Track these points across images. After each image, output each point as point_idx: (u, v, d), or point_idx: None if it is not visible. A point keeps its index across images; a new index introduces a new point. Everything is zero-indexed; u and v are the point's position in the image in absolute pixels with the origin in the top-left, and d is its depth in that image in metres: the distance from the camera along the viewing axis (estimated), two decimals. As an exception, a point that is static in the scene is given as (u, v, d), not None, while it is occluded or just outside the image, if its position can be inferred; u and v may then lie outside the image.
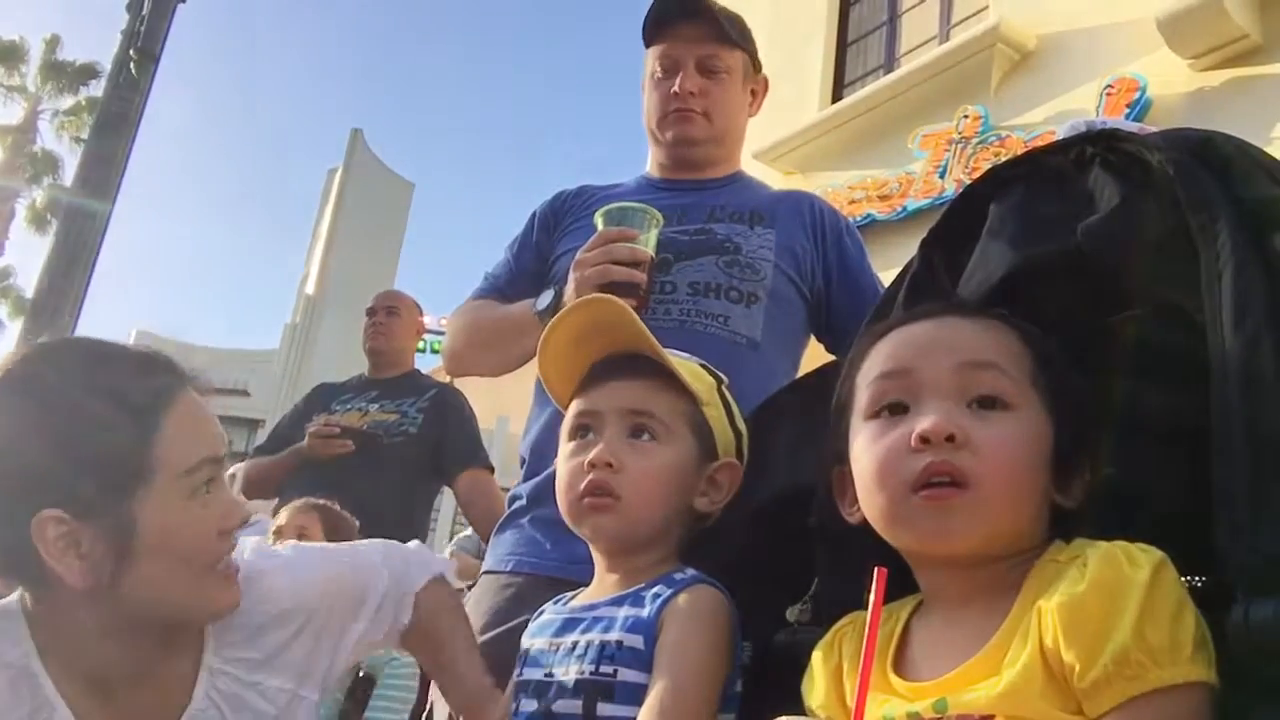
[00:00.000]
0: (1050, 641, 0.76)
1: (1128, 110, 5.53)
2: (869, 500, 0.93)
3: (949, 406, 0.88)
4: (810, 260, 1.87)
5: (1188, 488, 0.85)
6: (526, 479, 1.81)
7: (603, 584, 1.21)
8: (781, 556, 1.24)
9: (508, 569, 1.72)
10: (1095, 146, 1.00)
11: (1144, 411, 0.90)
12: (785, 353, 1.84)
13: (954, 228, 1.11)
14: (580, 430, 1.22)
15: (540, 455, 1.78)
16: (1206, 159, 0.90)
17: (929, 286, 1.11)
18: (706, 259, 1.79)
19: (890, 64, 7.60)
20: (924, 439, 0.86)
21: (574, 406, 1.24)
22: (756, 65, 2.00)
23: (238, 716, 1.24)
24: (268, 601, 1.28)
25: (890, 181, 6.46)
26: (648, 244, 1.66)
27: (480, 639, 1.66)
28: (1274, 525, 0.73)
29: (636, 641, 1.08)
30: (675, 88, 1.89)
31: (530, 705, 1.13)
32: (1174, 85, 5.43)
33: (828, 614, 1.05)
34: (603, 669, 1.08)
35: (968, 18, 7.08)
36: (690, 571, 1.15)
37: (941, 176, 6.33)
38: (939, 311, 0.97)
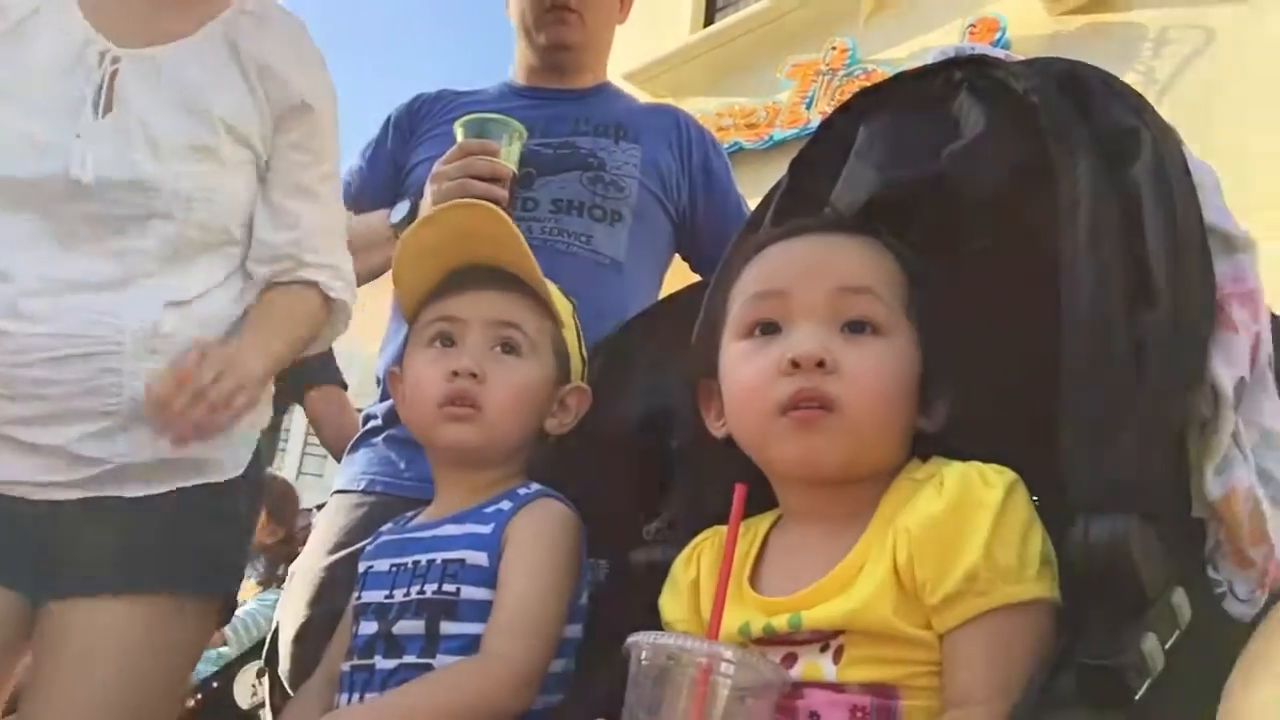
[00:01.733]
0: (904, 558, 0.77)
1: (989, 48, 5.66)
2: (737, 420, 0.93)
3: (821, 330, 0.88)
4: (676, 178, 1.84)
5: (1035, 413, 0.88)
6: (383, 398, 1.76)
7: (444, 501, 1.18)
8: (639, 475, 1.24)
9: (360, 488, 1.67)
10: (963, 71, 1.00)
11: (997, 337, 0.92)
12: (649, 272, 1.83)
13: (823, 149, 1.10)
14: (441, 338, 1.18)
15: None
16: (1070, 88, 0.91)
17: (798, 207, 1.10)
18: (570, 175, 1.74)
19: (763, -9, 7.59)
20: (795, 363, 0.86)
21: (432, 312, 1.19)
22: None
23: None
24: None
25: (758, 110, 6.49)
26: (509, 158, 1.60)
27: (330, 558, 1.61)
28: (1116, 448, 0.75)
29: (480, 558, 1.07)
30: None
31: (370, 627, 1.10)
32: (1033, 27, 5.58)
33: (686, 530, 1.05)
34: (445, 587, 1.06)
35: (840, -52, 7.11)
36: (535, 486, 1.14)
37: (808, 107, 6.40)
38: (818, 227, 0.96)
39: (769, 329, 0.92)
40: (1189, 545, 0.79)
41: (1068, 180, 0.87)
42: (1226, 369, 0.78)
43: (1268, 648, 0.50)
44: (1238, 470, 0.78)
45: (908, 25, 6.24)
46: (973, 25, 5.77)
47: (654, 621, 1.03)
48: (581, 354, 1.26)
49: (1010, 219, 0.94)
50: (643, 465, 1.24)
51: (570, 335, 1.23)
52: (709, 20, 7.72)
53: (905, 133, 1.02)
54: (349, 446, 1.77)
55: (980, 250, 0.96)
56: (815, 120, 6.29)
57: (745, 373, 0.91)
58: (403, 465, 1.63)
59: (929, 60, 1.09)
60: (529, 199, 1.71)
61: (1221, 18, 4.65)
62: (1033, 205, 0.92)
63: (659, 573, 1.04)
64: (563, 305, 1.23)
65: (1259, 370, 0.80)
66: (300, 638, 1.56)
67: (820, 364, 0.86)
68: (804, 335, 0.88)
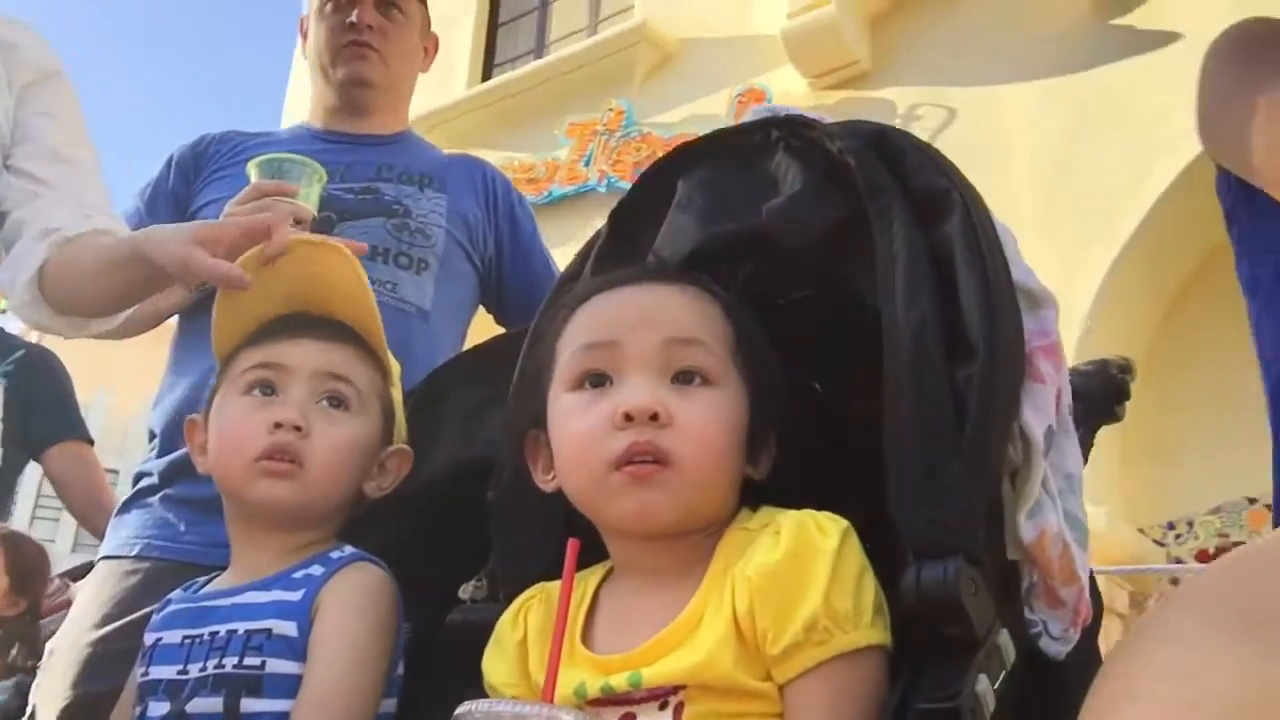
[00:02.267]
0: (744, 608, 0.77)
1: (756, 118, 5.96)
2: (569, 475, 0.91)
3: (653, 382, 0.88)
4: (482, 228, 1.82)
5: (851, 459, 0.90)
6: (161, 454, 1.61)
7: (246, 565, 1.09)
8: (451, 532, 1.19)
9: (133, 553, 1.53)
10: (779, 130, 1.03)
11: (823, 385, 0.94)
12: (454, 322, 1.79)
13: (643, 201, 1.11)
14: (262, 385, 1.09)
15: (178, 428, 1.60)
16: (881, 150, 0.95)
17: (620, 257, 1.10)
18: (374, 220, 1.69)
19: (540, 50, 7.69)
20: (628, 416, 0.85)
21: (252, 356, 1.10)
22: (428, 21, 1.92)
23: None
24: None
25: (537, 165, 6.54)
26: (309, 200, 1.53)
27: (97, 632, 1.46)
28: (943, 495, 0.78)
29: (288, 628, 0.98)
30: (353, 18, 1.76)
31: (160, 707, 0.99)
32: (796, 100, 5.91)
33: (507, 589, 1.01)
34: (248, 661, 0.97)
35: (615, 14, 7.32)
36: (348, 549, 1.07)
37: (586, 165, 6.51)
38: (645, 277, 0.96)
39: (599, 380, 0.91)
40: (1007, 588, 0.82)
41: (884, 237, 0.91)
42: (1036, 418, 0.82)
43: (1125, 667, 0.52)
44: (1047, 514, 0.82)
45: (680, 92, 6.49)
46: (741, 94, 6.06)
47: (474, 686, 0.99)
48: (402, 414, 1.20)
49: (830, 273, 0.97)
50: (456, 520, 1.19)
51: (398, 394, 1.17)
52: (487, 75, 7.75)
53: (725, 187, 1.04)
54: (117, 508, 1.62)
55: (802, 301, 0.98)
56: (593, 178, 6.42)
57: (577, 426, 0.90)
58: (182, 527, 1.51)
59: (748, 118, 1.12)
60: None
61: (963, 98, 5.11)
62: (851, 260, 0.96)
63: (478, 635, 1.00)
64: (392, 361, 1.17)
65: (1062, 418, 0.85)
66: None
67: (654, 417, 0.85)
68: (636, 387, 0.87)
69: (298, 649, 0.98)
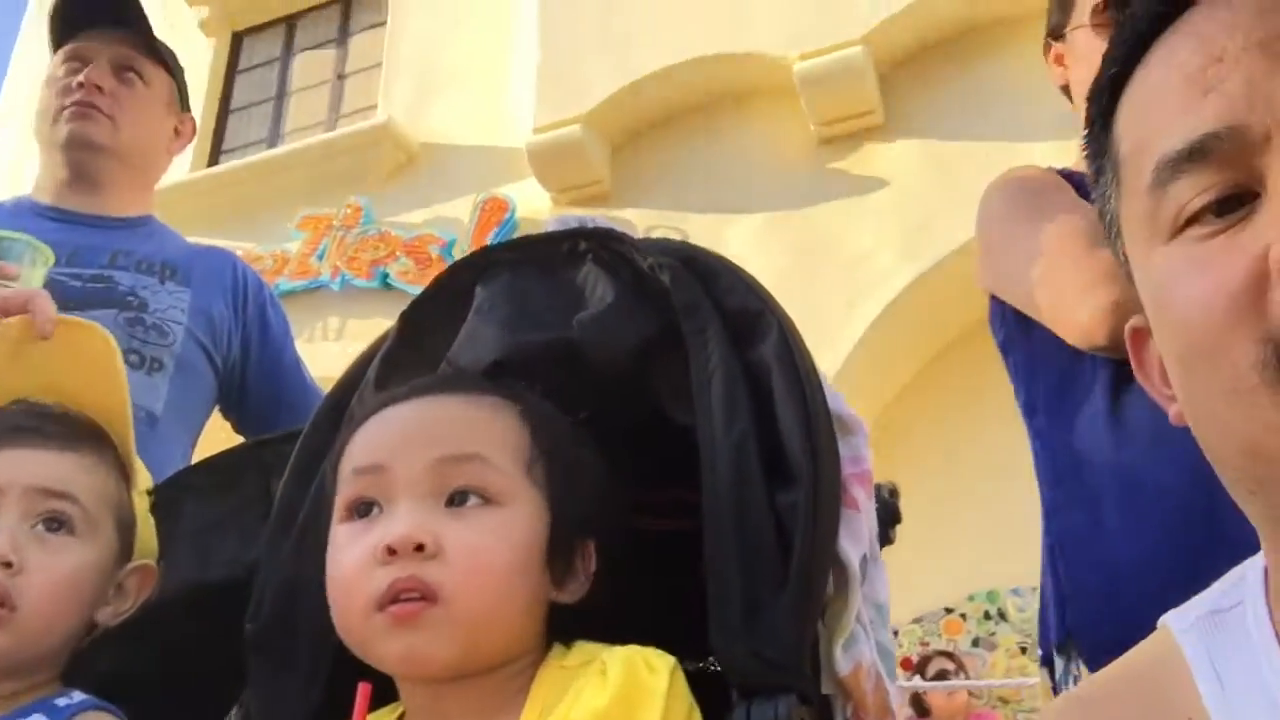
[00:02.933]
0: None
1: (498, 228, 5.99)
2: (337, 616, 0.81)
3: (421, 508, 0.80)
4: (228, 327, 1.67)
5: (674, 584, 0.86)
6: None
7: None
8: (188, 665, 1.04)
9: None
10: (588, 242, 1.00)
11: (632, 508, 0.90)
12: (186, 428, 1.61)
13: (435, 306, 1.04)
14: None
15: None
16: (694, 268, 0.94)
17: (407, 364, 1.02)
18: (105, 313, 1.51)
19: (274, 139, 7.42)
20: (391, 550, 0.77)
21: None
22: (185, 103, 1.78)
23: None
24: None
25: (265, 257, 6.22)
26: (31, 284, 1.34)
27: None
28: (771, 629, 0.75)
29: None
30: (81, 78, 1.59)
31: None
32: (538, 212, 6.00)
33: (266, 733, 0.89)
34: None
35: (356, 111, 7.19)
36: (77, 695, 0.91)
37: (319, 259, 6.27)
38: (428, 389, 0.88)
39: (366, 509, 0.82)
40: (822, 723, 0.80)
41: (699, 355, 0.89)
42: (853, 546, 0.82)
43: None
44: (861, 646, 0.81)
45: (422, 194, 6.41)
46: (485, 202, 6.07)
47: None
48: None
49: (636, 388, 0.94)
50: (193, 651, 1.05)
51: (141, 502, 1.01)
52: (214, 159, 7.36)
53: (529, 296, 0.99)
54: None
55: (605, 415, 0.94)
56: (326, 273, 6.18)
57: (342, 564, 0.81)
58: None
59: (550, 228, 1.09)
60: None
61: (697, 223, 5.35)
62: (659, 377, 0.93)
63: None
64: (140, 466, 1.02)
65: (873, 547, 0.85)
66: None
67: (419, 548, 0.77)
68: (400, 515, 0.79)
69: None
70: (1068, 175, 1.41)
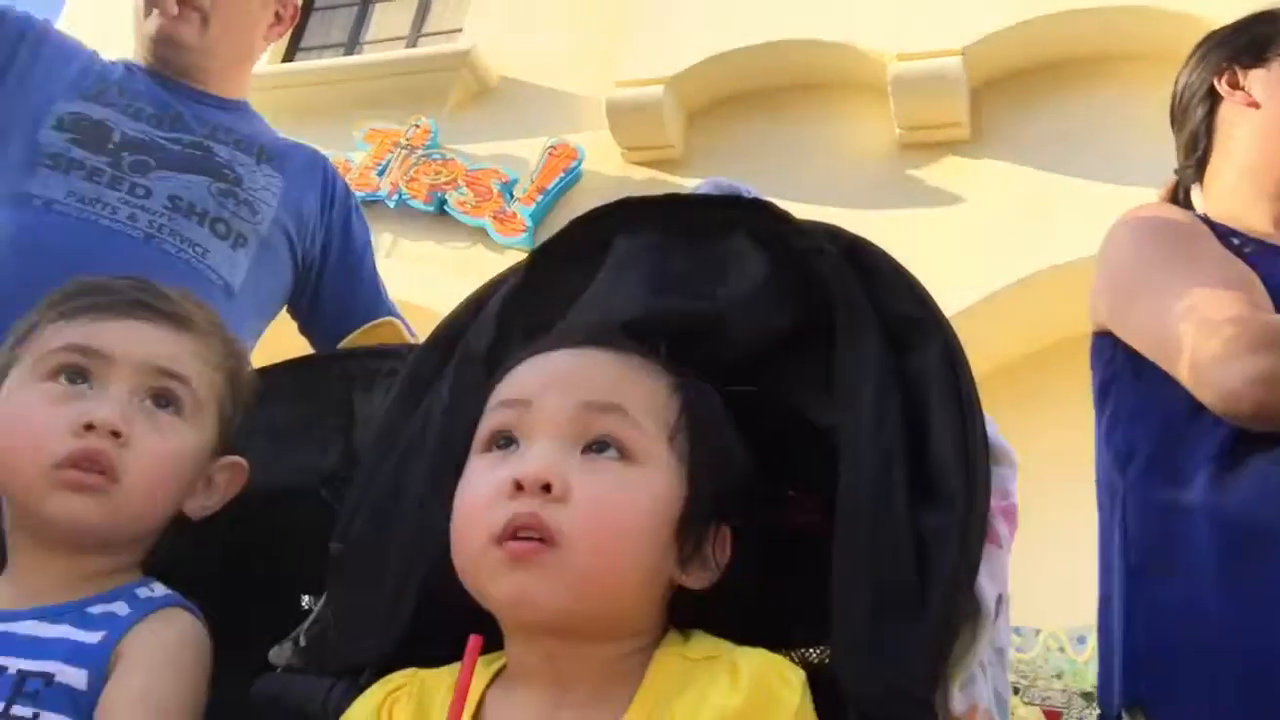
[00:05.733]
0: None
1: (562, 175, 5.92)
2: (455, 545, 0.77)
3: (557, 450, 0.76)
4: (314, 224, 1.65)
5: (794, 584, 0.82)
6: None
7: (25, 586, 0.86)
8: (255, 572, 1.01)
9: None
10: (743, 213, 0.95)
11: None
12: (259, 312, 1.59)
13: (569, 249, 0.99)
14: (71, 372, 0.87)
15: None
16: (855, 262, 0.89)
17: (533, 302, 0.97)
18: (198, 179, 1.49)
19: (353, 46, 7.35)
20: (519, 484, 0.74)
21: (60, 334, 0.89)
22: None
23: None
24: None
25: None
26: None
27: None
28: (901, 655, 0.71)
29: (77, 677, 0.78)
30: None
31: None
32: (606, 167, 5.93)
33: (334, 664, 0.85)
34: (16, 710, 0.75)
35: (442, 31, 7.12)
36: (159, 588, 0.87)
37: (380, 174, 6.21)
38: (584, 340, 0.84)
39: (507, 443, 0.79)
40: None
41: (850, 356, 0.84)
42: (990, 584, 0.77)
43: None
44: (980, 687, 0.77)
45: (493, 127, 6.34)
46: (554, 147, 5.99)
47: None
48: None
49: (773, 374, 0.89)
50: (258, 558, 1.02)
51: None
52: (289, 56, 7.31)
53: (672, 258, 0.94)
54: None
55: (741, 397, 0.89)
56: (384, 189, 6.13)
57: (470, 493, 0.78)
58: None
59: (703, 190, 1.04)
60: (140, 185, 1.42)
61: (764, 207, 5.27)
62: (798, 367, 0.88)
63: (293, 713, 0.83)
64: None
65: (1006, 588, 0.81)
66: None
67: (546, 488, 0.74)
68: (535, 453, 0.76)
69: (82, 706, 0.77)
70: (1206, 221, 1.35)
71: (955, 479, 0.76)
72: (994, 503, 0.80)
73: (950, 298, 5.03)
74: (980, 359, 1.08)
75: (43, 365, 0.89)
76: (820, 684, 0.72)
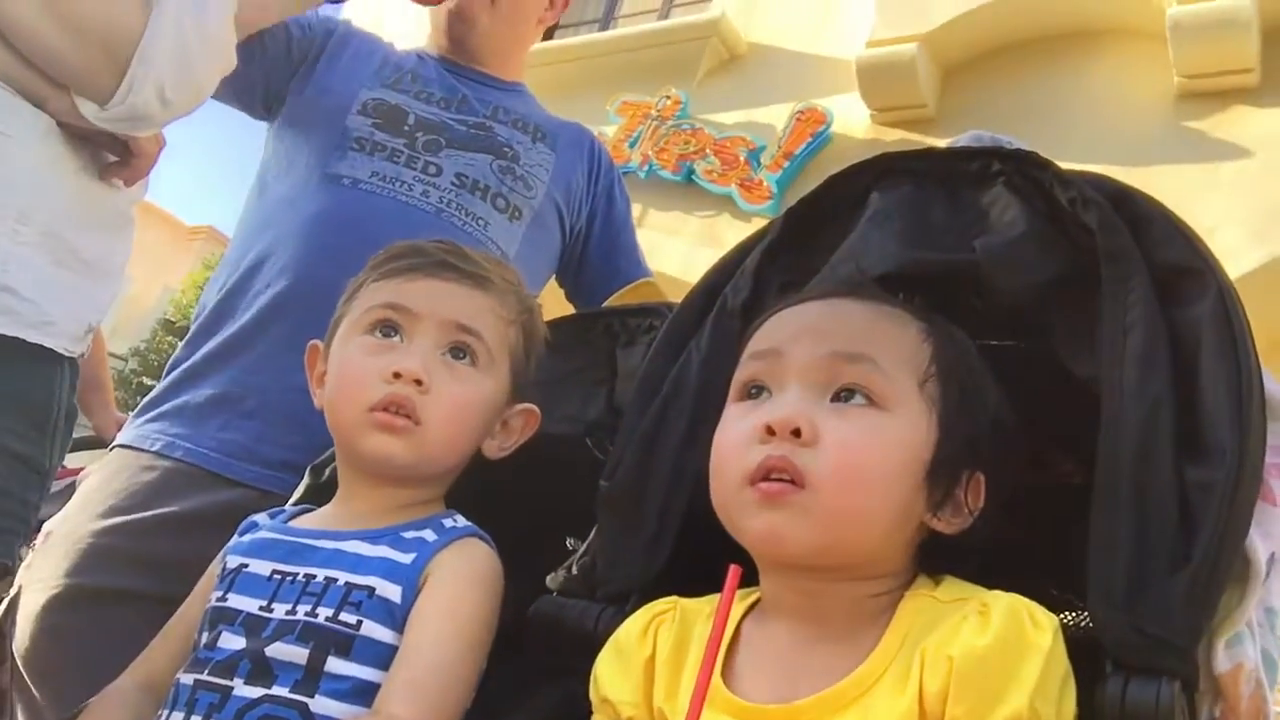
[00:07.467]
0: (935, 687, 0.68)
1: (810, 139, 5.88)
2: (712, 486, 0.83)
3: (807, 396, 0.80)
4: (580, 197, 1.77)
5: (1050, 533, 0.82)
6: (199, 340, 1.51)
7: (350, 511, 1.00)
8: (534, 506, 1.10)
9: (153, 448, 1.42)
10: (1003, 164, 0.94)
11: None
12: (532, 280, 1.70)
13: (827, 202, 1.02)
14: (384, 327, 0.99)
15: (227, 311, 1.50)
16: (1124, 212, 0.87)
17: (790, 256, 1.01)
18: (481, 157, 1.63)
19: (608, 22, 7.57)
20: (770, 429, 0.78)
21: (377, 293, 1.01)
22: None
23: None
24: None
25: (583, 135, 6.41)
26: None
27: (102, 523, 1.36)
28: (1161, 607, 0.70)
29: (392, 592, 0.89)
30: None
31: (236, 640, 0.89)
32: (855, 130, 5.84)
33: (604, 590, 0.93)
34: (344, 616, 0.88)
35: (691, 1, 7.20)
36: (460, 520, 0.98)
37: (631, 146, 6.39)
38: (835, 292, 0.87)
39: (758, 391, 0.84)
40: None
41: (1115, 306, 0.82)
42: (1263, 542, 0.74)
43: None
44: (1246, 646, 0.75)
45: (742, 93, 6.37)
46: (802, 112, 5.95)
47: (555, 685, 0.90)
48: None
49: (1035, 327, 0.89)
50: (537, 495, 1.11)
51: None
52: (549, 34, 7.61)
53: (931, 211, 0.95)
54: (149, 399, 1.51)
55: (1001, 350, 0.89)
56: (635, 160, 6.29)
57: (724, 437, 0.83)
58: (216, 430, 1.40)
59: (961, 143, 1.04)
60: (431, 163, 1.57)
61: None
62: (1066, 320, 0.87)
63: (567, 632, 0.91)
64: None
65: (1282, 547, 0.77)
66: (49, 609, 1.30)
67: (796, 432, 0.77)
68: (786, 400, 0.80)
69: (397, 617, 0.88)
70: None
71: (1227, 431, 0.74)
72: (1269, 459, 0.77)
73: (1228, 262, 4.64)
74: (1258, 330, 1.00)
75: (363, 320, 1.01)
76: (1075, 640, 0.72)
